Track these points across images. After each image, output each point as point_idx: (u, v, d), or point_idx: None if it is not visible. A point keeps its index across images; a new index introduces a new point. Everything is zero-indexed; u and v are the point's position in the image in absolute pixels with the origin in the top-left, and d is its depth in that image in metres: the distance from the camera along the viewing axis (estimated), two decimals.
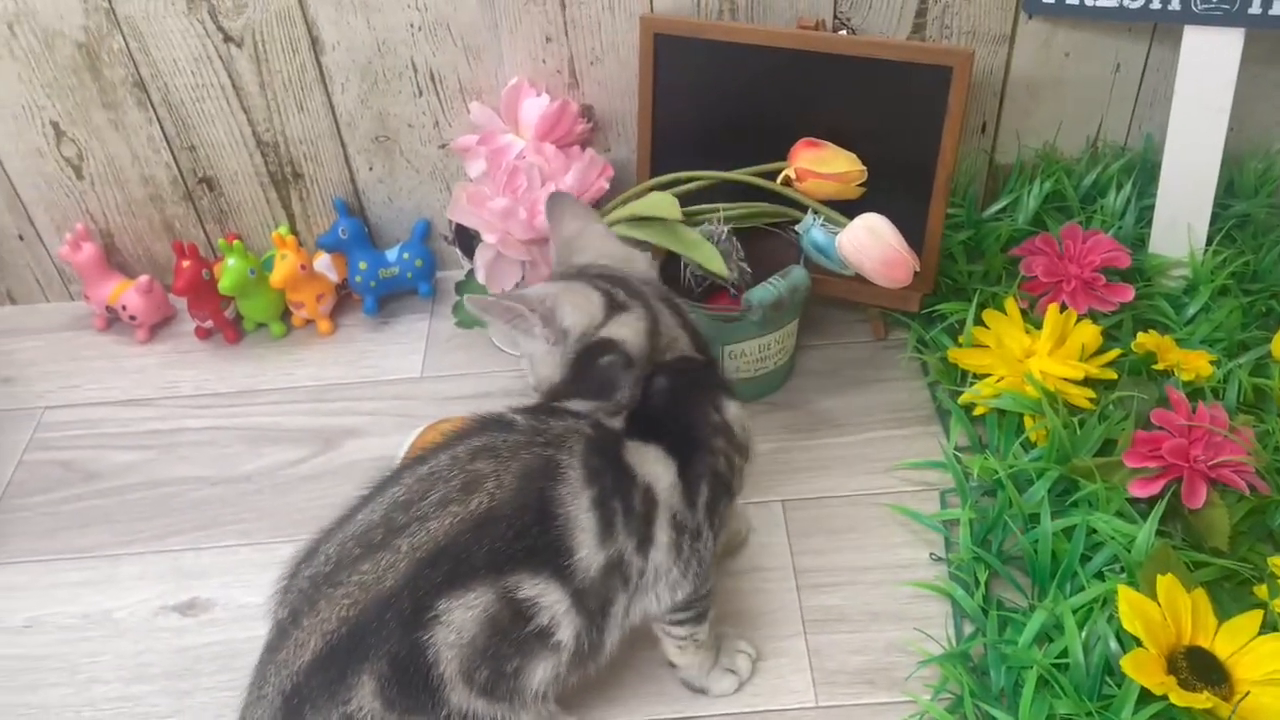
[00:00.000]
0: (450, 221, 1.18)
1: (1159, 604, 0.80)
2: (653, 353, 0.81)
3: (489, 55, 1.16)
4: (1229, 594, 0.87)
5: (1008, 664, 0.84)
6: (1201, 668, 0.78)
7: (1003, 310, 1.09)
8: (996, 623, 0.87)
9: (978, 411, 1.04)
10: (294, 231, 1.29)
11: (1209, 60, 1.05)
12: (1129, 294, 1.08)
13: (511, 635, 0.74)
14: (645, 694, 0.89)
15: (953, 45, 1.04)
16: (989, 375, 1.04)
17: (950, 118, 1.05)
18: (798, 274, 1.04)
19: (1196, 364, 1.01)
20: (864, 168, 1.04)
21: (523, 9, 1.12)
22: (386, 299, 1.30)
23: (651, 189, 1.08)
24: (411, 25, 1.14)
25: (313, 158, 1.24)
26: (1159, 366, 1.02)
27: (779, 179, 1.06)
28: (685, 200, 1.07)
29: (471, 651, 0.73)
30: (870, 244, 0.99)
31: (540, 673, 0.77)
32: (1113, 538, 0.88)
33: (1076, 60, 1.18)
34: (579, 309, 0.80)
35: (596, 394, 0.80)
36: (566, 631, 0.76)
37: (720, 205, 1.06)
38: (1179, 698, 0.73)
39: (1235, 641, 0.79)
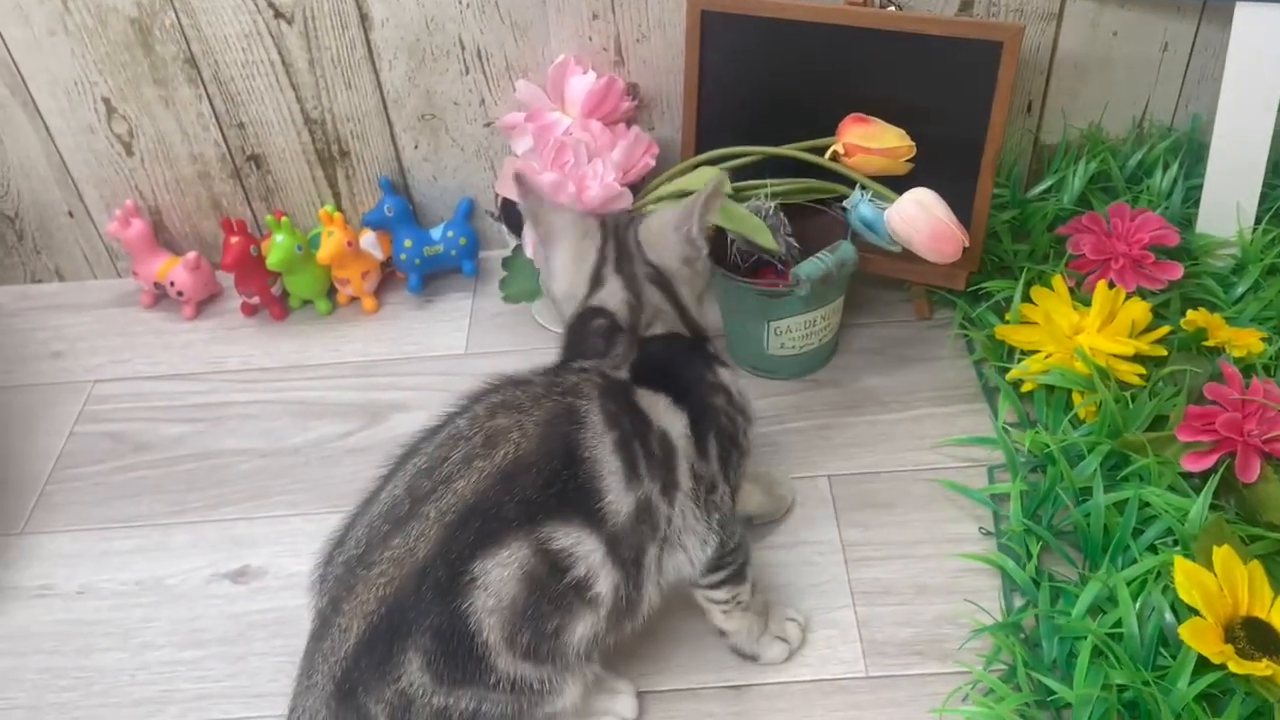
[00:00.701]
0: (496, 198, 1.19)
1: (1215, 575, 0.79)
2: (635, 325, 0.83)
3: (536, 32, 1.17)
4: None
5: (1060, 635, 0.83)
6: (1259, 637, 0.77)
7: (1050, 288, 1.08)
8: (1048, 594, 0.87)
9: (1025, 388, 1.04)
10: (339, 209, 1.30)
11: (1260, 38, 1.04)
12: (1178, 272, 1.08)
13: (550, 591, 0.74)
14: (695, 664, 0.89)
15: (1002, 21, 1.04)
16: (1037, 352, 1.04)
17: (999, 94, 1.05)
18: (845, 249, 1.04)
19: (1248, 341, 1.01)
20: (912, 143, 1.04)
21: None
22: (431, 277, 1.30)
23: (698, 165, 1.08)
24: (460, 2, 1.14)
25: (359, 135, 1.25)
26: (1209, 343, 1.02)
27: (827, 154, 1.06)
28: (732, 177, 1.07)
29: (512, 614, 0.74)
30: (919, 218, 0.99)
31: (580, 630, 0.77)
32: (1166, 511, 0.88)
33: (1124, 39, 1.18)
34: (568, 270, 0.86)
35: (594, 355, 0.82)
36: (604, 584, 0.76)
37: (768, 180, 1.07)
38: (1238, 666, 0.73)
39: None
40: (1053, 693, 0.79)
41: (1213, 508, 0.88)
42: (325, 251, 1.22)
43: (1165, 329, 1.03)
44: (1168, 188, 1.20)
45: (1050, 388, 1.02)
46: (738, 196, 1.06)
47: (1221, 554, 0.80)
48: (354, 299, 1.30)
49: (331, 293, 1.30)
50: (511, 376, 0.82)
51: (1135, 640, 0.80)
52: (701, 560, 0.82)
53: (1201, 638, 0.75)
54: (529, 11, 1.15)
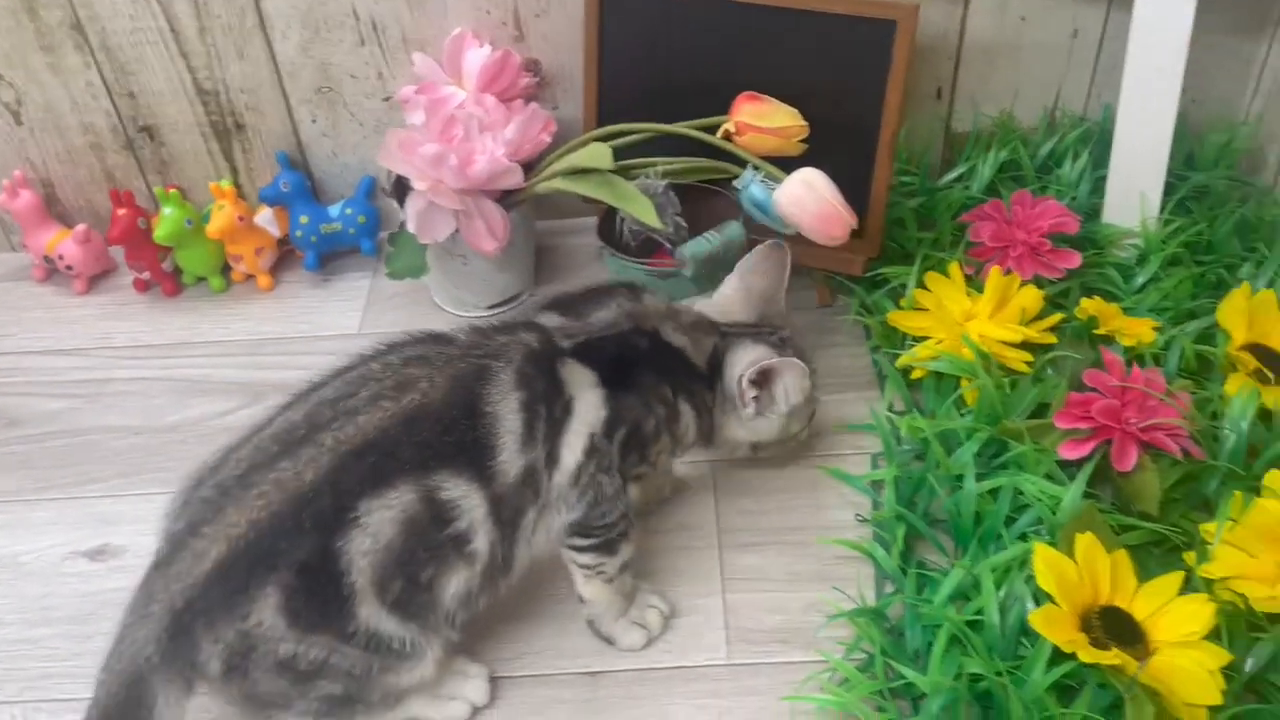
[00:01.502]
0: (389, 173, 1.16)
1: (1076, 563, 0.77)
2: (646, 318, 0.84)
3: (432, 4, 1.14)
4: (1158, 559, 0.84)
5: (923, 623, 0.81)
6: (1115, 627, 0.75)
7: (946, 275, 1.06)
8: (915, 582, 0.84)
9: (915, 375, 1.02)
10: (237, 185, 1.27)
11: (1161, 25, 1.02)
12: (1076, 260, 1.06)
13: (429, 540, 0.73)
14: (553, 649, 0.87)
15: (895, 0, 1.02)
16: (928, 338, 1.02)
17: (894, 75, 1.03)
18: (733, 229, 1.02)
19: (1139, 330, 0.99)
20: (805, 123, 1.02)
21: None
22: (330, 256, 1.27)
23: (589, 141, 1.05)
24: None
25: (254, 108, 1.22)
26: (1100, 331, 0.99)
27: (719, 133, 1.04)
28: (629, 154, 1.05)
29: (387, 557, 0.72)
30: (806, 199, 0.97)
31: (454, 585, 0.76)
32: (1039, 499, 0.85)
33: (1033, 25, 1.16)
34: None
35: (577, 314, 0.84)
36: (481, 540, 0.75)
37: (659, 159, 1.04)
38: (1087, 655, 0.71)
39: (1154, 603, 0.76)
40: (910, 682, 0.77)
41: (1090, 497, 0.86)
42: (215, 225, 1.19)
43: (1057, 316, 1.01)
44: (1076, 177, 1.18)
45: (939, 375, 1.00)
46: (626, 174, 1.04)
47: (1084, 541, 0.77)
48: (249, 276, 1.26)
49: (226, 270, 1.27)
50: (434, 333, 0.82)
51: (995, 630, 0.78)
52: (561, 523, 0.81)
53: (1053, 625, 0.72)
54: None
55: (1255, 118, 1.21)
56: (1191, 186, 1.17)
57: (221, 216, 1.19)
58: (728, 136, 1.03)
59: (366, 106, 1.22)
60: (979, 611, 0.79)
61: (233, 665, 0.71)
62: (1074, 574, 0.76)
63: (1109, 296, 1.07)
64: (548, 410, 0.78)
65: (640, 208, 0.99)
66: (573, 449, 0.79)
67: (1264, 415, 0.93)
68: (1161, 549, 0.85)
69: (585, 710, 0.82)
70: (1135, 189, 1.11)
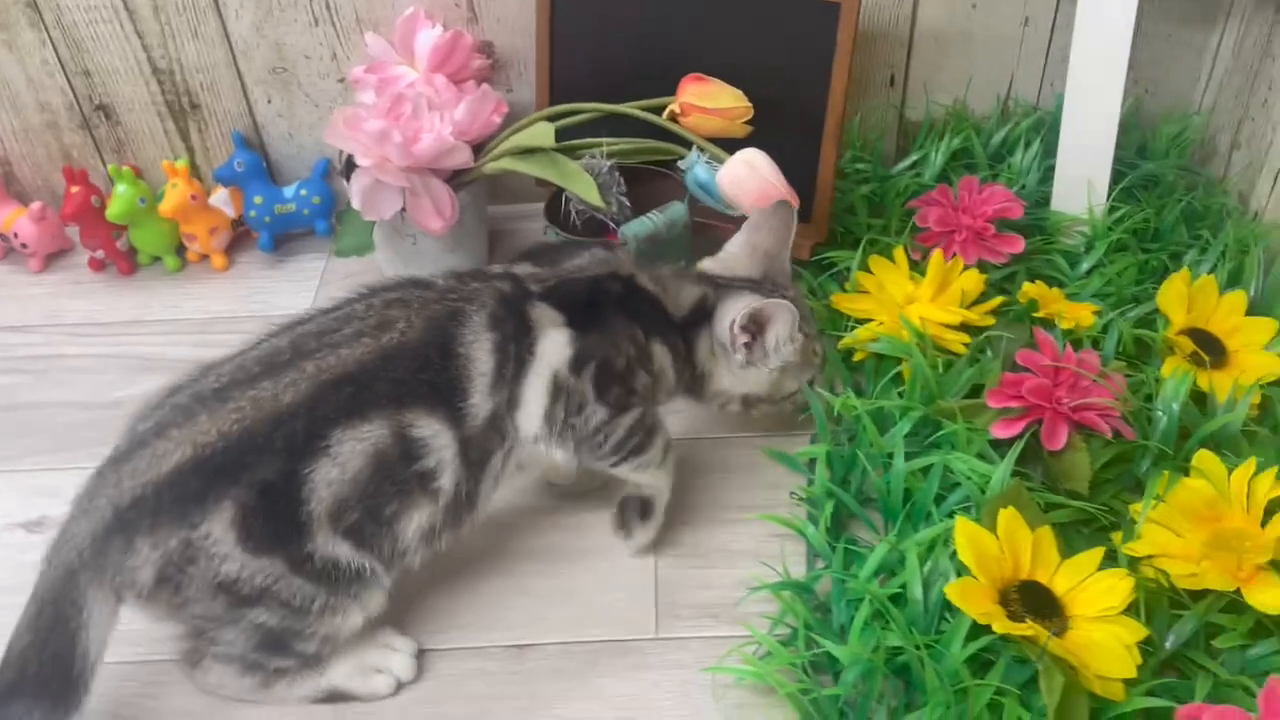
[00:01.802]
0: (340, 153, 1.16)
1: (998, 538, 0.77)
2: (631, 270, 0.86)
3: None
4: (1087, 539, 0.84)
5: (848, 598, 0.81)
6: (1033, 601, 0.75)
7: (891, 259, 1.06)
8: (843, 558, 0.84)
9: (857, 357, 1.02)
10: (194, 164, 1.27)
11: (1106, 14, 1.03)
12: (1019, 245, 1.06)
13: (396, 475, 0.75)
14: (483, 623, 0.86)
15: None
16: (870, 321, 1.02)
17: (839, 59, 1.03)
18: (676, 209, 1.02)
19: (1078, 314, 0.99)
20: (749, 104, 1.02)
21: None
22: (285, 237, 1.27)
23: (535, 121, 1.06)
24: None
25: (209, 88, 1.22)
26: (1040, 315, 1.00)
27: (665, 114, 1.04)
28: (579, 135, 1.06)
29: (353, 489, 0.73)
30: (747, 179, 0.97)
31: (416, 521, 0.77)
32: (969, 478, 0.85)
33: (984, 12, 1.16)
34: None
35: (550, 263, 0.86)
36: (447, 479, 0.77)
37: (605, 140, 1.04)
38: (1001, 626, 0.71)
39: (1074, 578, 0.76)
40: (832, 654, 0.77)
41: (1021, 476, 0.86)
42: (167, 204, 1.19)
43: (998, 300, 1.01)
44: (1027, 165, 1.18)
45: (880, 357, 1.00)
46: (573, 154, 1.04)
47: (1006, 516, 0.77)
48: (204, 256, 1.26)
49: (182, 250, 1.27)
50: (415, 278, 0.83)
51: (918, 604, 0.78)
52: (562, 458, 0.84)
53: (969, 598, 0.72)
54: None
55: (1208, 108, 1.22)
56: (1141, 176, 1.17)
57: (174, 195, 1.19)
58: (673, 117, 1.04)
59: (321, 87, 1.22)
60: (903, 586, 0.79)
61: (167, 575, 0.72)
62: (995, 548, 0.77)
63: (1055, 282, 1.08)
64: (516, 349, 0.79)
65: (583, 186, 1.00)
66: (536, 390, 0.80)
67: (1199, 398, 0.93)
68: (1091, 528, 0.85)
69: (510, 682, 0.82)
70: (1083, 177, 1.11)
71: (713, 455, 0.99)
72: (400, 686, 0.82)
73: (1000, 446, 0.88)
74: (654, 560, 0.90)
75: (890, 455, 0.89)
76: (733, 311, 0.87)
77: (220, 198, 1.26)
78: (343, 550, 0.75)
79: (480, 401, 0.78)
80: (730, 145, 1.01)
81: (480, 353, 0.78)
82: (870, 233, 1.14)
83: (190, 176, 1.21)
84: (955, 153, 1.21)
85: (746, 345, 0.88)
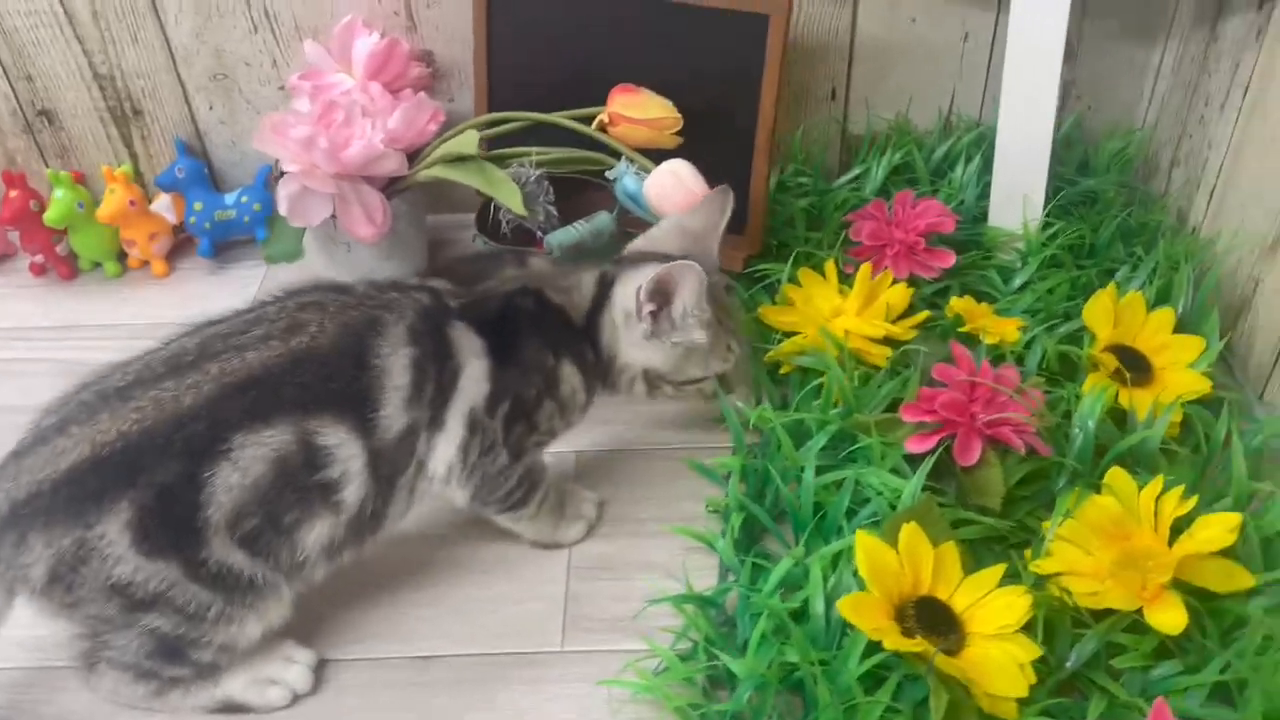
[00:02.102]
0: (276, 162, 1.16)
1: (898, 552, 0.76)
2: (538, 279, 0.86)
3: None
4: (999, 556, 0.83)
5: (752, 612, 0.80)
6: (930, 617, 0.74)
7: (822, 273, 1.06)
8: (750, 571, 0.83)
9: (784, 371, 1.01)
10: (138, 171, 1.27)
11: (1037, 30, 1.02)
12: (949, 259, 1.06)
13: (298, 482, 0.74)
14: (388, 633, 0.86)
15: None
16: (797, 334, 1.01)
17: (769, 70, 1.03)
18: (602, 218, 1.02)
19: (1003, 329, 0.98)
20: (678, 115, 1.02)
21: None
22: (226, 244, 1.27)
23: (465, 129, 1.05)
24: None
25: (151, 94, 1.22)
26: (964, 329, 0.99)
27: (594, 124, 1.04)
28: (513, 144, 1.05)
29: (253, 495, 0.72)
30: (673, 189, 0.97)
31: (316, 532, 0.76)
32: (880, 492, 0.85)
33: (924, 27, 1.16)
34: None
35: (464, 280, 0.84)
36: (352, 492, 0.76)
37: (534, 149, 1.04)
38: (892, 642, 0.70)
39: (974, 595, 0.76)
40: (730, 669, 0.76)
41: (935, 492, 0.85)
42: (105, 209, 1.19)
43: (924, 314, 1.01)
44: (968, 180, 1.18)
45: (806, 370, 0.99)
46: (503, 162, 1.04)
47: (908, 531, 0.76)
48: (145, 262, 1.26)
49: (123, 256, 1.27)
50: (334, 282, 0.83)
51: (820, 619, 0.77)
52: (461, 499, 0.83)
53: (861, 612, 0.71)
54: None
55: (1151, 125, 1.21)
56: (1080, 192, 1.17)
57: (112, 201, 1.19)
58: (602, 127, 1.03)
59: (263, 94, 1.22)
60: (806, 601, 0.78)
61: (59, 575, 0.71)
62: (895, 563, 0.76)
63: (987, 298, 1.07)
64: (437, 372, 0.78)
65: (508, 194, 0.99)
66: (457, 422, 0.79)
67: (1120, 416, 0.92)
68: (1004, 545, 0.85)
69: (411, 692, 0.81)
70: (1018, 192, 1.11)
71: (634, 467, 0.99)
72: (296, 698, 0.81)
73: (916, 461, 0.87)
74: (566, 573, 0.90)
75: (803, 469, 0.88)
76: (640, 278, 0.85)
77: (162, 204, 1.25)
78: (239, 558, 0.74)
79: (393, 415, 0.77)
80: (661, 156, 1.01)
81: (396, 366, 0.77)
82: (807, 246, 1.13)
83: (129, 182, 1.21)
84: (897, 167, 1.21)
85: (653, 314, 0.85)
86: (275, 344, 0.75)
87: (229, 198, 1.24)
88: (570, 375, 0.86)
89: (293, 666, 0.82)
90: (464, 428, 0.80)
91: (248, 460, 0.72)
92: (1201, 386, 0.92)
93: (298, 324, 0.77)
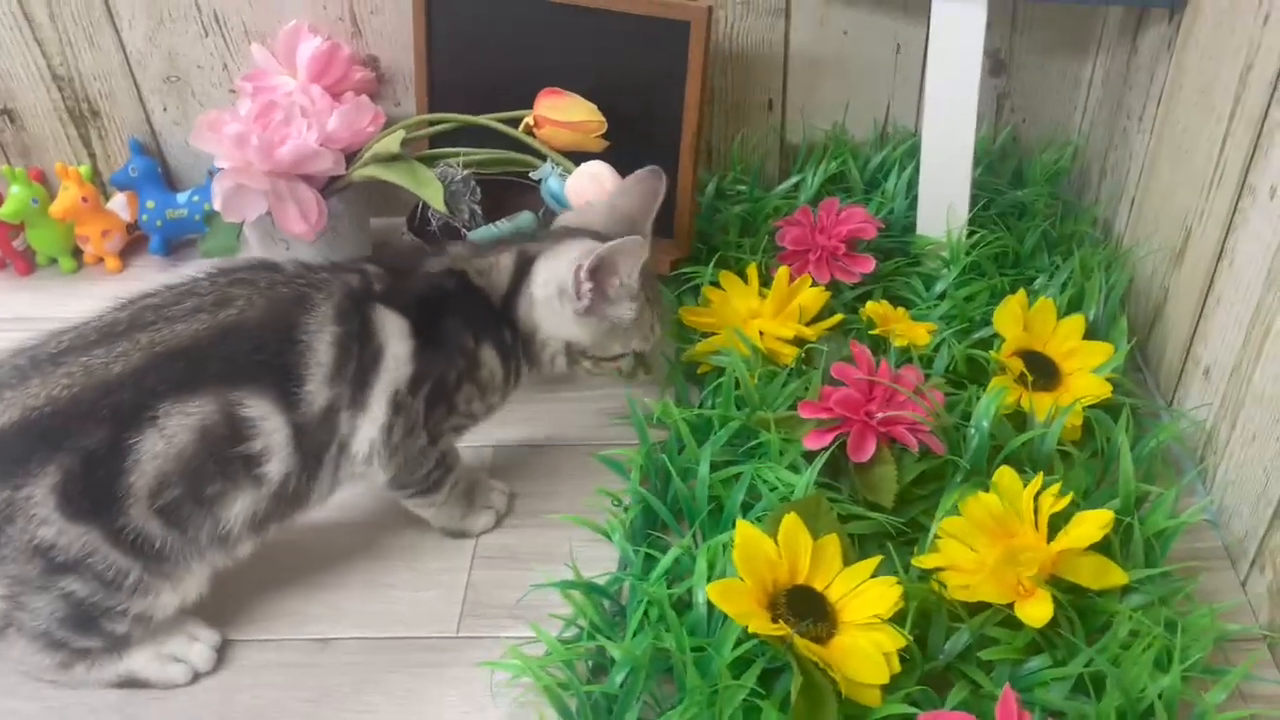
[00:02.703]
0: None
1: (777, 542, 0.77)
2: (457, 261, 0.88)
3: None
4: (889, 552, 0.84)
5: (637, 600, 0.81)
6: (802, 605, 0.75)
7: (744, 276, 1.07)
8: (644, 562, 0.85)
9: (701, 370, 1.03)
10: (96, 170, 1.31)
11: (956, 32, 1.04)
12: (869, 265, 1.07)
13: (222, 453, 0.76)
14: (289, 615, 0.87)
15: (691, 2, 1.05)
16: (715, 334, 1.03)
17: (691, 76, 1.05)
18: (524, 218, 1.04)
19: (914, 332, 1.00)
20: (603, 118, 1.04)
21: None
22: (179, 241, 1.30)
23: (394, 130, 1.08)
24: None
25: (108, 95, 1.25)
26: (874, 332, 1.00)
27: (520, 126, 1.06)
28: (441, 144, 1.08)
29: (177, 464, 0.74)
30: (590, 191, 0.99)
31: (240, 505, 0.78)
32: (775, 487, 0.86)
33: (856, 39, 1.18)
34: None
35: (393, 265, 0.87)
36: (276, 465, 0.78)
37: (461, 150, 1.07)
38: (756, 626, 0.71)
39: (848, 585, 0.77)
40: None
41: (831, 488, 0.87)
42: (58, 206, 1.22)
43: (838, 317, 1.02)
44: (899, 189, 1.20)
45: (722, 370, 1.01)
46: (433, 162, 1.07)
47: (788, 522, 0.78)
48: (101, 258, 1.29)
49: (79, 252, 1.30)
50: (266, 260, 0.85)
51: (702, 607, 0.78)
52: (380, 480, 0.85)
53: (728, 597, 0.73)
54: None
55: (1086, 136, 1.23)
56: (1011, 203, 1.18)
57: (65, 197, 1.22)
58: (529, 130, 1.06)
59: (215, 96, 1.25)
60: (690, 590, 0.80)
61: None
62: (772, 552, 0.77)
63: (910, 304, 1.08)
64: (360, 351, 0.80)
65: (432, 193, 1.02)
66: (380, 404, 0.81)
67: (1020, 418, 0.93)
68: (897, 542, 0.85)
69: (304, 674, 0.83)
70: (944, 202, 1.12)
71: (549, 462, 1.00)
72: (197, 676, 0.83)
73: (815, 458, 0.89)
74: (470, 561, 0.91)
75: (698, 463, 0.89)
76: (574, 255, 0.85)
77: (118, 202, 1.29)
78: (157, 527, 0.75)
79: (316, 390, 0.78)
80: (588, 159, 1.03)
81: (321, 343, 0.79)
82: (738, 251, 1.15)
83: (82, 179, 1.24)
84: (833, 176, 1.23)
85: (591, 291, 0.85)
86: (204, 316, 0.77)
87: (181, 196, 1.27)
88: (489, 358, 0.87)
89: (195, 644, 0.83)
90: (388, 408, 0.82)
91: (173, 429, 0.74)
92: (1102, 391, 0.93)
93: (227, 298, 0.79)
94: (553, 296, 0.87)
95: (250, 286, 0.80)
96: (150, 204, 1.26)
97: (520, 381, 0.92)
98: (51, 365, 0.75)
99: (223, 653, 0.85)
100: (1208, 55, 0.91)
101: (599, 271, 0.85)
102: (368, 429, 0.81)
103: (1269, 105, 0.81)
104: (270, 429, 0.77)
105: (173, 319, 0.77)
